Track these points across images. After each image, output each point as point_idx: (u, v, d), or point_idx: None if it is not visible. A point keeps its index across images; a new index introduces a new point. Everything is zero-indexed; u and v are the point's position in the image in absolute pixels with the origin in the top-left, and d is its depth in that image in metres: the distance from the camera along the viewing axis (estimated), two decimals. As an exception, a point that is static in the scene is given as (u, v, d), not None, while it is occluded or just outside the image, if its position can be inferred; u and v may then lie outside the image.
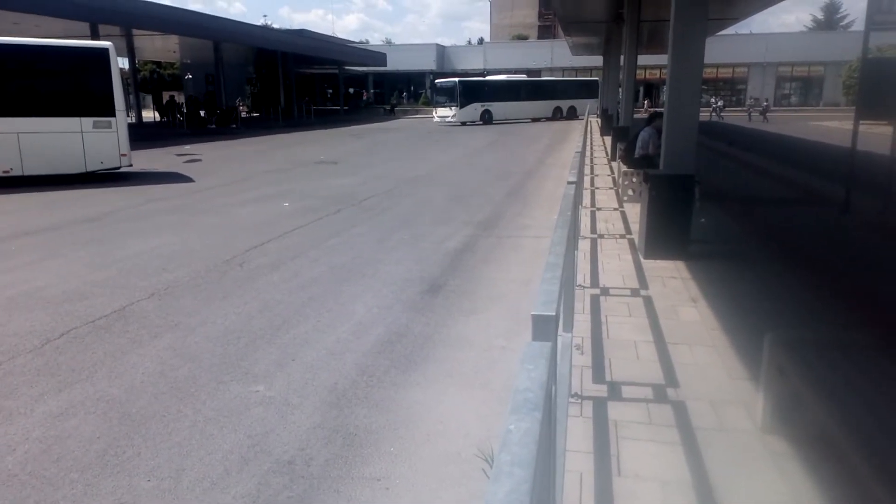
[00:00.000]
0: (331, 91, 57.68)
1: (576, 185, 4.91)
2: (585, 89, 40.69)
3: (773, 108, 43.77)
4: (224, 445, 3.26)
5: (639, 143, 9.11)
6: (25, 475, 2.97)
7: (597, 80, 40.49)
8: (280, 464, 3.10)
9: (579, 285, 5.51)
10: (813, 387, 2.57)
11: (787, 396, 2.89)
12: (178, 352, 4.49)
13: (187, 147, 21.83)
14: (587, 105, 36.46)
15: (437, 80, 39.41)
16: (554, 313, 1.39)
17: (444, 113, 35.68)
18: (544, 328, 1.38)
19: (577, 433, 3.16)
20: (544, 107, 38.59)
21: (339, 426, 3.47)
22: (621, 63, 17.55)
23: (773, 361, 2.97)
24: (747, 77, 52.01)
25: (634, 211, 8.45)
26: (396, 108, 51.93)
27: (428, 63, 56.43)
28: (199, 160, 17.99)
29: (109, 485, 2.90)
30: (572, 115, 38.93)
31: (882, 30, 7.63)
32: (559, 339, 3.32)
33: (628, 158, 9.44)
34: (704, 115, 33.46)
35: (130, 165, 13.73)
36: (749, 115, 38.07)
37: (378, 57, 50.29)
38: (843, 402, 2.41)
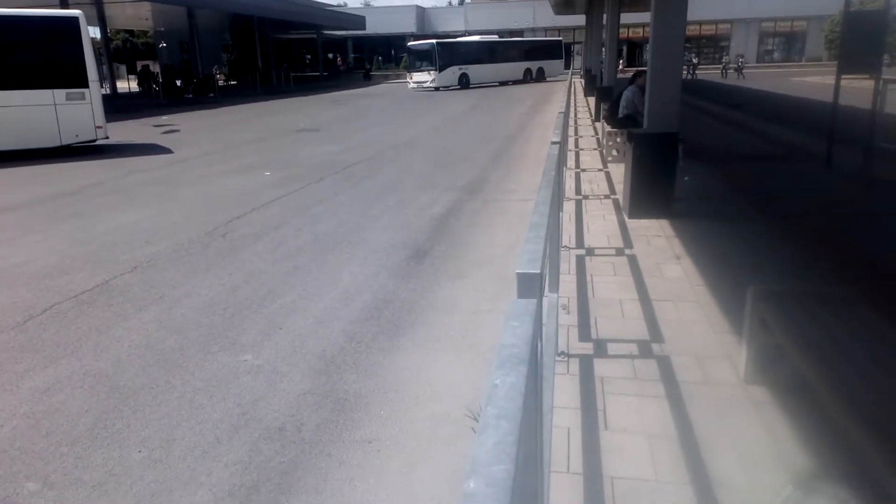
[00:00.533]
0: (309, 57, 56.49)
1: (560, 145, 4.88)
2: (552, 50, 40.05)
3: (748, 65, 43.60)
4: (214, 415, 3.27)
5: (622, 103, 9.05)
6: (15, 450, 2.96)
7: (560, 41, 40.39)
8: (271, 430, 3.12)
9: (564, 246, 5.53)
10: (794, 338, 2.61)
11: (769, 348, 2.94)
12: (164, 324, 4.46)
13: (164, 118, 21.39)
14: (554, 66, 37.07)
15: (411, 44, 36.85)
16: (538, 271, 1.38)
17: (421, 78, 33.88)
18: (529, 286, 1.37)
19: (564, 390, 3.20)
20: (515, 69, 37.82)
21: (328, 392, 3.49)
22: (604, 22, 17.31)
23: (756, 314, 3.01)
24: (730, 34, 51.65)
25: (619, 171, 8.44)
26: (372, 74, 50.98)
27: (408, 25, 55.31)
28: (178, 131, 17.65)
29: (100, 457, 2.91)
30: (541, 76, 38.47)
31: (865, -19, 7.55)
32: (545, 300, 3.34)
33: (612, 118, 9.38)
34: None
35: (107, 138, 13.44)
36: (724, 72, 37.48)
37: (357, 20, 49.20)
38: (823, 352, 2.45)
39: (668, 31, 6.16)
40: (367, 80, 48.29)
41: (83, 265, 5.82)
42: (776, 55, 51.69)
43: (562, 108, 5.45)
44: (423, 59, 34.21)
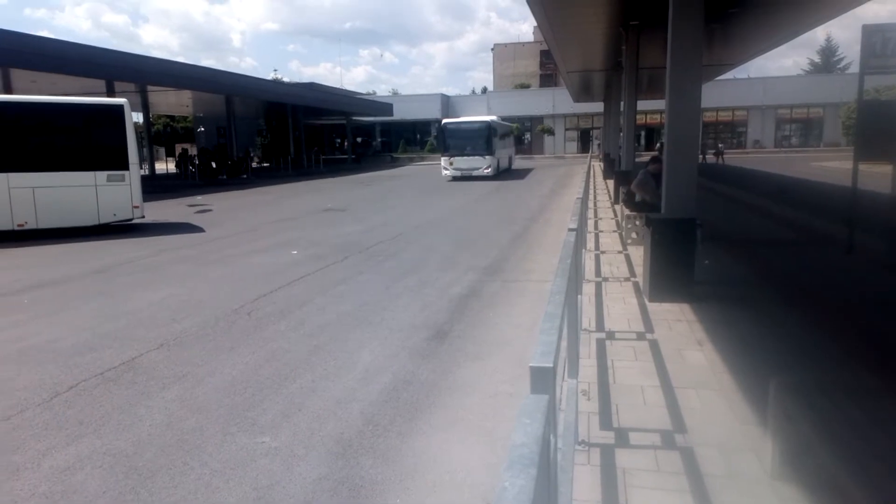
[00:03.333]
0: (339, 140, 58.86)
1: (577, 231, 4.98)
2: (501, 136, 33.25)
3: (765, 149, 43.67)
4: (229, 499, 3.25)
5: (637, 187, 9.22)
6: (31, 532, 2.96)
7: (488, 123, 29.33)
8: (285, 517, 3.08)
9: (584, 329, 5.51)
10: (820, 432, 2.55)
11: (795, 442, 2.87)
12: (186, 403, 4.50)
13: (199, 198, 22.21)
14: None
15: (449, 121, 30.47)
16: (552, 365, 1.42)
17: (470, 164, 28.08)
18: (542, 380, 1.41)
19: (584, 481, 3.13)
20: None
21: (344, 477, 3.45)
22: (622, 108, 17.89)
23: (780, 407, 2.95)
24: (747, 120, 52.73)
25: (638, 254, 8.49)
26: (398, 156, 52.60)
27: (433, 112, 57.65)
28: (210, 210, 18.28)
29: (114, 541, 2.89)
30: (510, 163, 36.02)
31: (876, 73, 7.80)
32: (565, 386, 3.33)
33: (630, 202, 9.53)
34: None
35: (143, 217, 13.99)
36: (704, 157, 34.88)
37: (384, 107, 51.51)
38: (850, 447, 2.39)
39: (683, 118, 6.36)
40: (393, 161, 49.89)
41: (111, 342, 5.95)
42: (794, 140, 52.43)
43: (580, 193, 5.58)
44: (470, 139, 28.69)
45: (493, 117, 30.09)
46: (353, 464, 3.59)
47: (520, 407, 1.19)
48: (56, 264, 10.21)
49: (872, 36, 7.66)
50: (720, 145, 39.36)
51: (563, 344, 4.76)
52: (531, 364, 1.41)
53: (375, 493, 3.31)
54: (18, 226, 12.43)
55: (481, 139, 28.71)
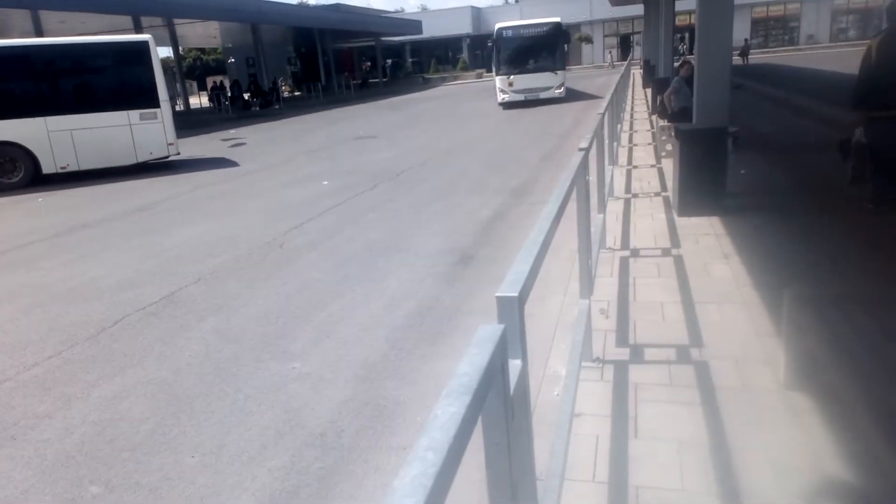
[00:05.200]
0: (369, 63, 57.65)
1: (611, 140, 4.84)
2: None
3: (820, 45, 40.51)
4: (262, 421, 3.47)
5: (672, 95, 8.82)
6: (82, 456, 3.25)
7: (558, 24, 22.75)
8: (313, 436, 3.28)
9: (609, 248, 5.48)
10: (828, 344, 2.53)
11: (805, 354, 2.85)
12: (222, 334, 4.74)
13: (233, 131, 22.38)
14: None
15: (504, 25, 22.72)
16: (517, 294, 1.43)
17: (535, 83, 21.38)
18: (508, 310, 1.43)
19: (597, 396, 3.21)
20: None
21: (369, 398, 3.62)
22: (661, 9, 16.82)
23: (793, 319, 2.92)
24: (800, 13, 48.96)
25: (672, 167, 8.23)
26: (428, 78, 51.22)
27: (464, 27, 55.50)
28: (244, 143, 18.44)
29: (157, 462, 3.15)
30: None
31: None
32: (581, 304, 3.35)
33: (664, 112, 9.15)
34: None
35: (178, 153, 14.25)
36: (745, 60, 32.98)
37: (413, 25, 49.84)
38: (856, 359, 2.37)
39: (714, 18, 5.97)
40: (425, 83, 48.78)
41: (152, 278, 6.24)
42: (851, 33, 48.57)
43: (603, 108, 5.35)
44: (535, 49, 22.01)
45: (558, 18, 22.80)
46: (377, 386, 3.76)
47: (474, 336, 1.22)
48: (99, 204, 10.60)
49: None
50: (745, 40, 36.51)
51: (568, 269, 4.72)
52: (497, 294, 1.43)
53: (398, 412, 3.47)
54: (61, 168, 12.86)
55: (550, 48, 21.88)
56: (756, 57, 36.86)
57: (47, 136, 12.62)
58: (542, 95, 21.33)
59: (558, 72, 21.75)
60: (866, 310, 2.69)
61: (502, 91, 21.72)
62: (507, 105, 21.60)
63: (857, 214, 5.88)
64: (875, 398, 2.11)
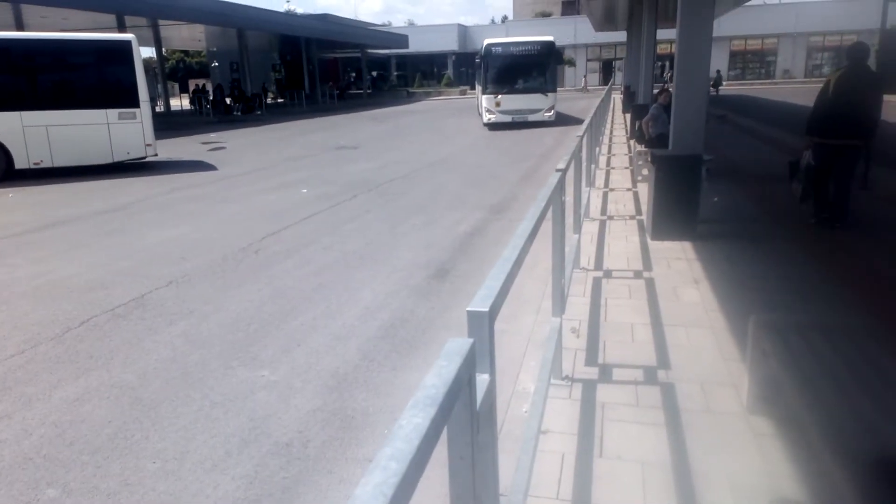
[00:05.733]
0: (353, 74, 57.76)
1: (589, 162, 4.92)
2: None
3: (795, 80, 41.70)
4: (227, 428, 3.42)
5: (651, 122, 9.00)
6: (40, 458, 3.17)
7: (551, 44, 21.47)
8: (278, 446, 3.25)
9: (583, 268, 5.55)
10: (790, 371, 2.59)
11: (768, 380, 2.92)
12: (191, 338, 4.67)
13: (213, 135, 22.19)
14: None
15: (494, 42, 21.22)
16: (487, 309, 1.45)
17: (524, 104, 20.13)
18: (478, 324, 1.45)
19: (564, 415, 3.23)
20: None
21: (338, 409, 3.60)
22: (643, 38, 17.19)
23: (757, 344, 2.99)
24: (777, 48, 50.45)
25: (647, 191, 8.37)
26: (413, 91, 51.53)
27: (450, 44, 56.03)
28: (224, 148, 18.30)
29: (117, 466, 3.09)
30: None
31: (903, -1, 7.37)
32: (553, 322, 3.39)
33: (642, 137, 9.33)
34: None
35: (156, 155, 14.08)
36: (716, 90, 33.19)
37: (400, 39, 50.14)
38: (816, 386, 2.43)
39: (693, 50, 6.13)
40: (409, 96, 49.02)
41: (123, 279, 6.14)
42: (825, 70, 50.13)
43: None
44: (525, 68, 20.70)
45: (551, 37, 21.52)
46: (346, 396, 3.74)
47: (443, 349, 1.23)
48: (72, 202, 10.41)
49: (903, -43, 7.19)
50: (718, 71, 37.18)
51: (542, 287, 4.77)
52: (468, 308, 1.45)
53: (366, 423, 3.46)
54: (34, 164, 12.61)
55: (541, 68, 20.53)
56: (733, 88, 37.84)
57: (22, 130, 12.39)
58: (531, 118, 20.09)
59: (549, 94, 20.43)
60: (826, 337, 2.76)
61: (488, 111, 20.35)
62: (493, 126, 20.38)
63: (819, 244, 6.05)
64: (831, 424, 2.17)
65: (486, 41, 21.20)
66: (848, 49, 6.48)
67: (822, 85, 6.49)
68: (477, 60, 22.57)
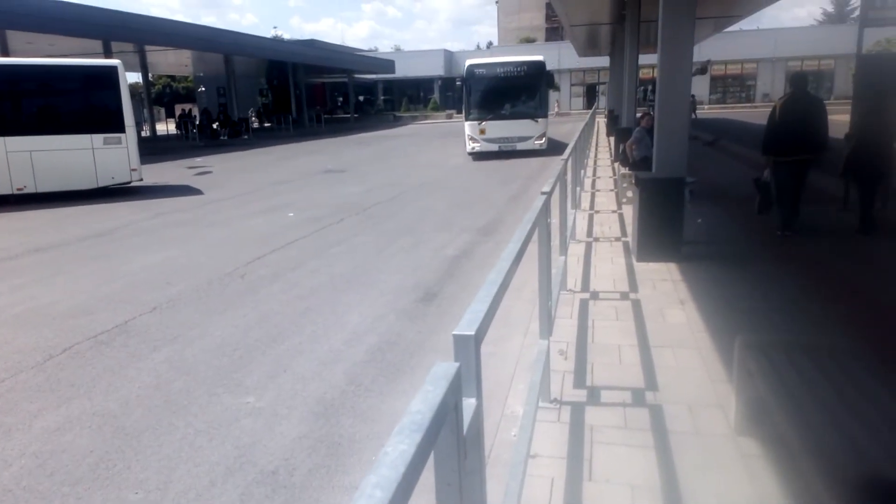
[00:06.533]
0: (341, 99, 58.19)
1: (574, 185, 4.97)
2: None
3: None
4: (212, 457, 3.36)
5: (635, 145, 9.13)
6: (20, 490, 3.09)
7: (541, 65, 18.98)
8: (264, 474, 3.19)
9: (570, 290, 5.57)
10: (775, 391, 2.61)
11: (755, 400, 2.93)
12: (175, 365, 4.61)
13: (199, 159, 22.16)
14: None
15: (477, 63, 19.17)
16: (473, 333, 1.45)
17: (512, 131, 18.20)
18: (464, 348, 1.45)
19: (553, 438, 3.22)
20: None
21: (324, 436, 3.56)
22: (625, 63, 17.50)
23: (743, 365, 3.01)
24: (757, 73, 51.58)
25: (632, 213, 8.46)
26: (399, 116, 52.02)
27: (436, 69, 56.70)
28: (210, 172, 18.27)
29: (99, 498, 3.02)
30: None
31: (875, 26, 7.60)
32: (541, 344, 3.39)
33: (626, 160, 9.45)
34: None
35: (141, 179, 14.02)
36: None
37: (387, 64, 50.70)
38: (802, 406, 2.44)
39: (674, 75, 6.25)
40: (396, 120, 49.41)
41: (106, 305, 6.06)
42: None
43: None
44: (512, 91, 18.57)
45: (541, 57, 19.39)
46: (333, 423, 3.70)
47: (430, 373, 1.23)
48: (55, 228, 10.31)
49: (874, -14, 7.43)
50: (693, 95, 37.35)
51: (529, 309, 4.78)
52: (454, 332, 1.45)
53: (353, 450, 3.41)
54: (17, 189, 12.51)
55: (531, 91, 18.41)
56: (714, 112, 38.51)
57: (5, 156, 12.31)
58: (520, 146, 18.23)
59: (539, 119, 18.32)
60: (812, 358, 2.79)
61: (472, 139, 18.42)
62: (479, 156, 18.64)
63: (801, 263, 6.13)
64: (817, 445, 2.18)
65: (469, 62, 19.36)
66: (791, 77, 7.50)
67: (770, 110, 7.29)
68: (458, 83, 20.92)
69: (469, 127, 18.53)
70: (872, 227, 7.07)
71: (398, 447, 0.97)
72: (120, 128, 13.26)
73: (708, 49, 38.37)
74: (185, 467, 3.27)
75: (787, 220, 7.18)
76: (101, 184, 13.30)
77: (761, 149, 7.36)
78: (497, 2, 73.43)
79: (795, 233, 7.14)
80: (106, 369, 4.55)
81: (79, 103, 13.42)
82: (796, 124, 6.87)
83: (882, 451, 2.11)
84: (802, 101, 7.04)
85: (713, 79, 51.39)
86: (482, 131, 18.21)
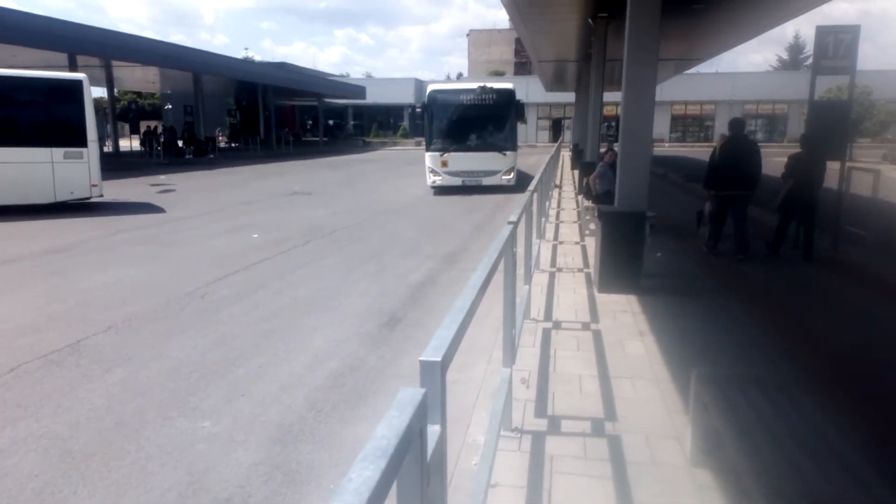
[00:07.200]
0: (311, 122, 58.16)
1: (539, 216, 5.06)
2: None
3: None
4: (163, 483, 3.26)
5: (598, 179, 9.37)
6: (-45, 515, 2.95)
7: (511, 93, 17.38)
8: (217, 501, 3.11)
9: (533, 318, 5.63)
10: (729, 424, 2.68)
11: (710, 432, 3.00)
12: (128, 387, 4.48)
13: (162, 177, 21.78)
14: None
15: (439, 88, 17.91)
16: (440, 359, 1.47)
17: (477, 164, 16.64)
18: (430, 374, 1.46)
19: (513, 467, 3.23)
20: None
21: (281, 462, 3.49)
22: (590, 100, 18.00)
23: (699, 398, 3.08)
24: (715, 114, 53.61)
25: (594, 245, 8.63)
26: (368, 141, 52.32)
27: (406, 97, 57.27)
28: (174, 190, 17.96)
29: (41, 524, 2.89)
30: None
31: (826, 74, 8.03)
32: (503, 373, 3.41)
33: (590, 193, 9.67)
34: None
35: (101, 196, 13.69)
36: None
37: (357, 90, 51.01)
38: (753, 438, 2.52)
39: (637, 113, 6.46)
40: (365, 146, 49.58)
41: (58, 324, 5.86)
42: (759, 136, 53.37)
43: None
44: (479, 121, 17.05)
45: (510, 85, 17.89)
46: (291, 449, 3.64)
47: (395, 399, 1.24)
48: (9, 243, 9.96)
49: (825, 37, 7.87)
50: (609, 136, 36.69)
51: (493, 337, 4.81)
52: (420, 358, 1.47)
53: (311, 477, 3.36)
54: (-30, 202, 12.07)
55: (499, 121, 16.95)
56: (674, 150, 39.75)
57: (-42, 166, 11.89)
58: (486, 182, 16.67)
59: (508, 153, 16.75)
60: (764, 392, 2.88)
61: (433, 172, 16.72)
62: (440, 190, 16.95)
63: (757, 300, 6.34)
64: (767, 475, 2.24)
65: (431, 87, 17.72)
66: (729, 123, 8.36)
67: (712, 150, 8.29)
68: (417, 109, 18.98)
69: (430, 158, 16.76)
70: (776, 252, 8.10)
71: (363, 473, 0.98)
72: (82, 142, 12.97)
73: (670, 89, 39.77)
74: (135, 493, 3.16)
75: (714, 241, 8.33)
76: (60, 198, 12.94)
77: (703, 184, 8.38)
78: (468, 35, 75.01)
79: (718, 254, 8.27)
80: (55, 390, 4.39)
81: (41, 116, 13.10)
82: (734, 162, 7.81)
83: (827, 482, 2.19)
84: (740, 142, 7.94)
85: (674, 118, 53.23)
86: (444, 163, 16.60)
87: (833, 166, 8.05)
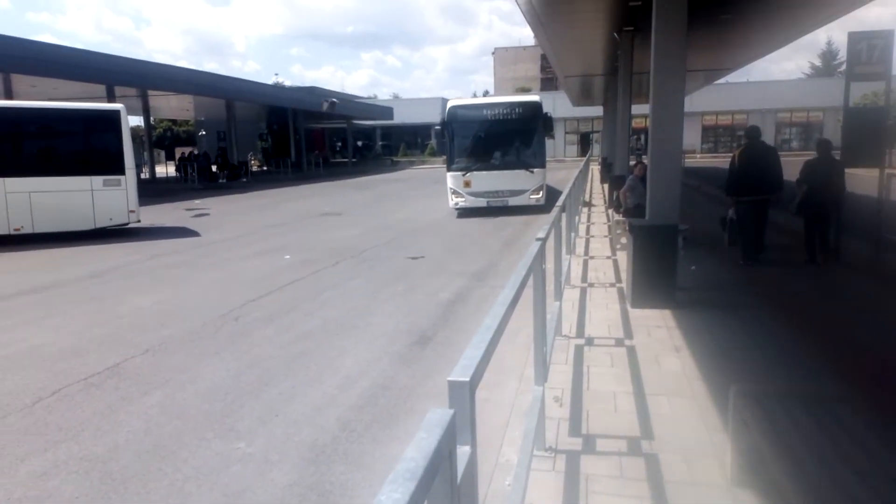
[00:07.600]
0: (340, 144, 59.08)
1: (569, 231, 5.02)
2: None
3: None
4: (199, 504, 3.30)
5: (628, 192, 9.27)
6: (1, 537, 3.02)
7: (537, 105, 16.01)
8: (253, 522, 3.13)
9: (565, 335, 5.56)
10: (770, 441, 2.59)
11: (750, 450, 2.91)
12: (166, 409, 4.55)
13: (197, 202, 22.30)
14: None
15: (460, 104, 16.67)
16: (468, 379, 1.46)
17: (502, 183, 15.55)
18: (459, 394, 1.46)
19: (548, 487, 3.17)
20: None
21: (315, 483, 3.50)
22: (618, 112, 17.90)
23: (738, 414, 3.00)
24: (747, 123, 52.69)
25: (626, 259, 8.52)
26: (397, 161, 52.88)
27: (433, 116, 57.66)
28: (208, 214, 18.37)
29: (82, 545, 2.94)
30: None
31: (860, 80, 7.85)
32: (535, 391, 3.37)
33: (620, 207, 9.58)
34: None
35: (139, 221, 14.09)
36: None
37: (385, 111, 51.68)
38: (796, 456, 2.43)
39: (666, 125, 6.40)
40: (394, 165, 50.07)
41: (98, 347, 6.01)
42: (794, 144, 52.30)
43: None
44: (503, 136, 16.08)
45: (537, 97, 16.75)
46: (324, 470, 3.64)
47: (424, 420, 1.24)
48: (50, 269, 10.29)
49: (857, 43, 7.71)
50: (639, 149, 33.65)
51: (524, 355, 4.77)
52: (448, 378, 1.46)
53: (345, 498, 3.35)
54: (15, 230, 12.53)
55: (526, 137, 15.80)
56: (706, 160, 39.17)
57: (4, 196, 12.38)
58: (512, 202, 15.52)
59: (535, 170, 15.48)
60: (806, 407, 2.79)
61: (455, 193, 15.69)
62: (464, 212, 15.98)
63: (793, 311, 6.16)
64: (813, 495, 2.16)
65: (451, 103, 16.56)
66: (746, 130, 8.72)
67: (731, 158, 8.51)
68: (438, 128, 17.67)
69: (451, 178, 15.70)
70: (813, 259, 8.05)
71: (392, 496, 0.97)
72: (120, 170, 13.40)
73: (700, 100, 39.37)
74: (173, 515, 3.20)
75: (748, 251, 8.25)
76: (99, 225, 13.36)
77: (725, 191, 8.66)
78: (493, 53, 75.54)
79: (755, 262, 8.19)
80: (95, 412, 4.49)
81: (80, 145, 13.61)
82: (753, 169, 8.00)
83: (875, 499, 2.10)
84: (758, 148, 8.20)
85: (704, 129, 52.48)
86: (467, 183, 15.50)
87: (872, 174, 7.83)
